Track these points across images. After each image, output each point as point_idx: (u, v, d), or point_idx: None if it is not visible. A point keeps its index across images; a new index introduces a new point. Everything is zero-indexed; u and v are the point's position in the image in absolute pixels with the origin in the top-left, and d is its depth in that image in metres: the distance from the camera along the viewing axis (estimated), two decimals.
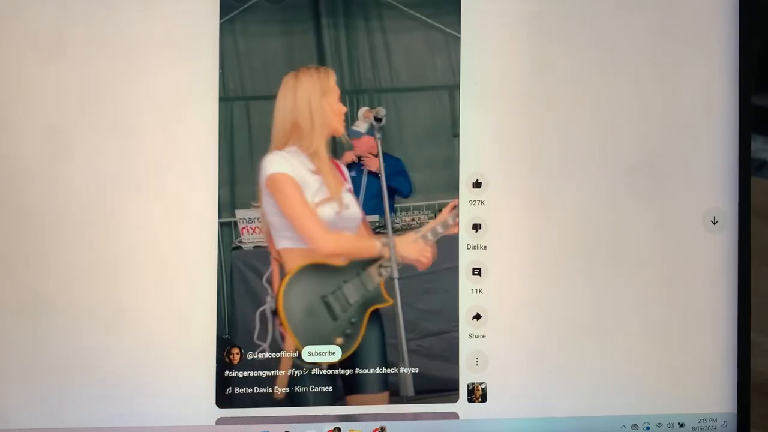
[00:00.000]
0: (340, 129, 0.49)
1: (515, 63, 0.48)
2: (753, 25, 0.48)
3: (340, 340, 0.49)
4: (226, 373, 0.48)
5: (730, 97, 0.49)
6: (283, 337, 0.48)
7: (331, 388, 0.49)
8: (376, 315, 0.49)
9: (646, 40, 0.49)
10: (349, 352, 0.49)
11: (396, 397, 0.49)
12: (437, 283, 0.49)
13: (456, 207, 0.49)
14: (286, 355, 0.48)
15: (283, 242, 0.49)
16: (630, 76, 0.49)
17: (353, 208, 0.49)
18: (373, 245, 0.49)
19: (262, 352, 0.48)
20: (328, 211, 0.49)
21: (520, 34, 0.48)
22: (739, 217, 0.49)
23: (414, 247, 0.49)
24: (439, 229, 0.49)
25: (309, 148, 0.49)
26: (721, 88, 0.49)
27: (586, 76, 0.49)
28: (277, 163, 0.48)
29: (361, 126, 0.49)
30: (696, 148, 0.49)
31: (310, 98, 0.48)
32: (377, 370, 0.49)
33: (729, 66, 0.49)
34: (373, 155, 0.49)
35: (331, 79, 0.48)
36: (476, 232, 0.49)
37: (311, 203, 0.48)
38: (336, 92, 0.48)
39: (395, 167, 0.49)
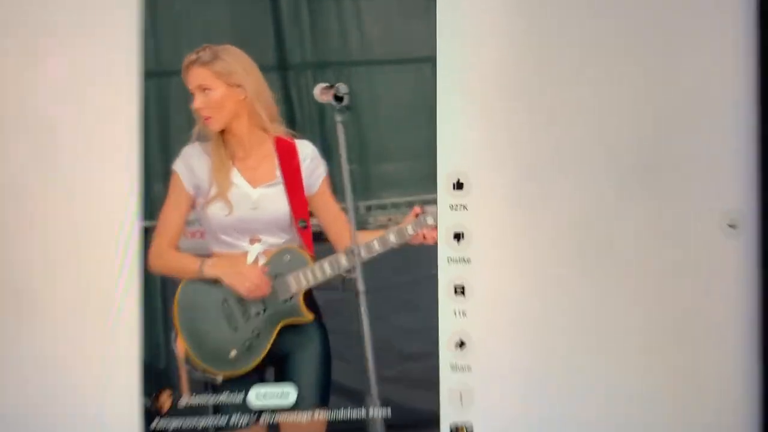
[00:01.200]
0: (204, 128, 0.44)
1: (502, 46, 0.44)
2: None
3: (234, 353, 0.43)
4: (154, 424, 0.42)
5: (747, 93, 0.45)
6: (176, 340, 0.43)
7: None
8: (299, 331, 0.44)
9: (655, 22, 0.44)
10: (245, 369, 0.43)
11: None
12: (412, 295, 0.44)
13: (419, 215, 0.44)
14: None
15: (214, 246, 0.44)
16: (635, 62, 0.44)
17: (270, 205, 0.44)
18: (192, 268, 0.44)
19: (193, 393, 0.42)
20: (215, 212, 0.44)
21: (509, 13, 0.43)
22: (761, 221, 0.45)
23: (240, 276, 0.44)
24: (392, 239, 0.44)
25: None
26: (735, 81, 0.45)
27: (585, 57, 0.44)
28: (180, 158, 0.44)
29: None
30: (707, 146, 0.45)
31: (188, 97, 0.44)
32: (317, 412, 0.43)
33: (747, 58, 0.45)
34: None
35: (199, 72, 0.43)
36: (458, 242, 0.44)
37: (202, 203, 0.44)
38: (210, 86, 0.44)
39: None
